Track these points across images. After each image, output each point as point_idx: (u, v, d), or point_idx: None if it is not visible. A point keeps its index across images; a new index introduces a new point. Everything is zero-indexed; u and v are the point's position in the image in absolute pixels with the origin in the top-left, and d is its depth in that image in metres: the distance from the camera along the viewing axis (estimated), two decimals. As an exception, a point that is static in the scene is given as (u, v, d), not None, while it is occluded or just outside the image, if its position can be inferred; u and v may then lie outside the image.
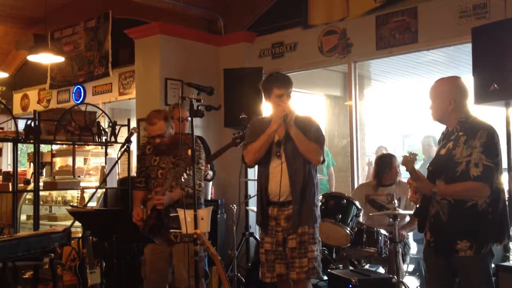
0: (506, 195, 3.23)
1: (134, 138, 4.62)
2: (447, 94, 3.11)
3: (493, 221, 3.00)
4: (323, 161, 3.69)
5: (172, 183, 3.90)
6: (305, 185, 3.62)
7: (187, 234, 3.86)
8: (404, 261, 4.81)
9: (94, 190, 4.59)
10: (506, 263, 3.92)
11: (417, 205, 3.26)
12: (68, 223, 4.70)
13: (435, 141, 6.79)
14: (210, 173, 5.20)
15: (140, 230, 3.81)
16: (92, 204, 5.56)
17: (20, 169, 6.69)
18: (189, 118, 3.61)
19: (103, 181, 5.06)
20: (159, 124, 4.02)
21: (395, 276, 4.17)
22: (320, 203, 4.08)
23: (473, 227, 3.00)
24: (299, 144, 3.58)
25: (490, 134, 2.99)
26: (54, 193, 6.56)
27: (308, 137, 3.61)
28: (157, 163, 4.16)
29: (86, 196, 5.14)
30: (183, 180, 3.73)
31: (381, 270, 4.96)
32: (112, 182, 5.53)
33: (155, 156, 4.18)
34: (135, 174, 6.30)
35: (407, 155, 3.00)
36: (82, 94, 8.43)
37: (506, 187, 4.05)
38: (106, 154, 5.60)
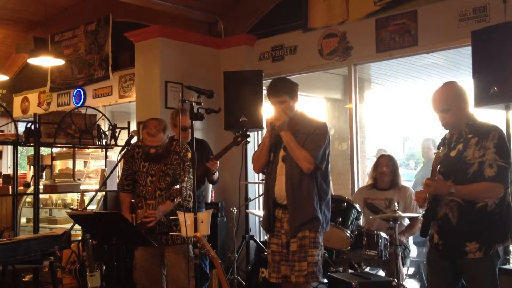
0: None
1: (134, 141, 4.61)
2: (460, 98, 3.15)
3: (500, 222, 3.02)
4: (317, 168, 3.62)
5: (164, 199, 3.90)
6: (301, 189, 3.61)
7: (179, 236, 3.89)
8: (404, 264, 4.80)
9: (94, 193, 4.60)
10: (506, 266, 3.91)
11: (425, 208, 3.22)
12: (68, 226, 4.70)
13: (435, 144, 6.79)
14: (217, 173, 5.18)
15: (140, 232, 3.81)
16: (92, 207, 5.56)
17: (20, 172, 6.68)
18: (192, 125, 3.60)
19: (103, 184, 5.06)
20: (159, 136, 3.96)
21: (395, 279, 4.16)
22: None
23: (483, 228, 3.01)
24: (290, 150, 3.63)
25: (501, 135, 3.04)
26: (54, 196, 6.56)
27: (307, 142, 3.62)
28: (146, 170, 4.12)
29: (86, 199, 5.14)
30: (176, 202, 3.73)
31: (381, 273, 4.95)
32: (112, 185, 5.52)
33: (144, 162, 4.13)
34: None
35: (439, 151, 3.05)
36: (82, 97, 8.42)
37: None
38: (106, 157, 5.60)
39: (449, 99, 3.15)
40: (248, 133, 4.83)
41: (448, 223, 3.09)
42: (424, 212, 3.27)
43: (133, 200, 4.13)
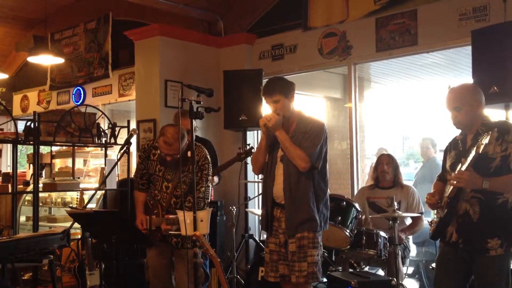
0: None
1: (133, 140, 4.61)
2: (474, 99, 3.17)
3: None
4: (313, 167, 3.61)
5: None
6: (299, 189, 3.61)
7: (188, 240, 3.88)
8: (403, 263, 4.81)
9: (93, 191, 4.59)
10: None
11: (445, 211, 3.17)
12: (68, 224, 4.69)
13: (433, 143, 6.78)
14: (216, 179, 5.18)
15: (139, 231, 3.81)
16: (92, 205, 5.55)
17: (19, 170, 6.67)
18: (196, 128, 3.61)
19: (103, 182, 5.05)
20: (175, 145, 3.86)
21: (395, 279, 4.16)
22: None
23: (504, 224, 3.03)
24: (285, 150, 3.63)
25: None
26: (54, 195, 6.55)
27: (303, 141, 3.61)
28: (162, 174, 4.08)
29: (86, 197, 5.14)
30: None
31: (381, 272, 4.96)
32: (112, 184, 5.52)
33: (160, 166, 4.09)
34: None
35: (482, 143, 3.04)
36: (82, 95, 8.42)
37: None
38: (105, 155, 5.60)
39: (462, 98, 3.17)
40: (252, 150, 4.87)
41: (469, 220, 3.09)
42: (444, 213, 3.18)
43: (150, 201, 4.12)
